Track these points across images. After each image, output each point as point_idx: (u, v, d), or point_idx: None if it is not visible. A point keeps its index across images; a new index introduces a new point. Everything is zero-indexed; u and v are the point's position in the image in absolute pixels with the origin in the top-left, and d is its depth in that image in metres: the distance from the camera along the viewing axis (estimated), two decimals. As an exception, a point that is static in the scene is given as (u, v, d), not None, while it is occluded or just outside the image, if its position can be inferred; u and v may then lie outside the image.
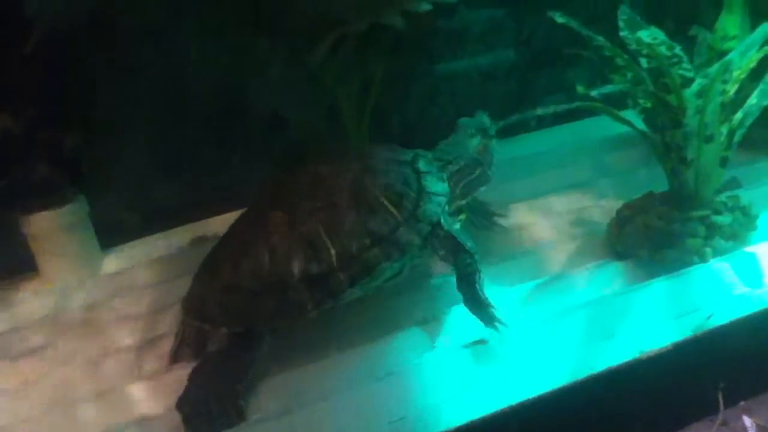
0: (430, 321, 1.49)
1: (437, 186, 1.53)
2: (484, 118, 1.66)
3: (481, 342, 1.39)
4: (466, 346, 1.39)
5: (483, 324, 1.40)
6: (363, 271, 1.41)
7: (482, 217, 1.80)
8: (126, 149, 2.04)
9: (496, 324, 1.39)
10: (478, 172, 1.63)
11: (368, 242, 1.42)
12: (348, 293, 1.41)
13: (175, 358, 1.50)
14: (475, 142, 1.64)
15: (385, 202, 1.46)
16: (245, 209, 1.58)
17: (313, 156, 1.61)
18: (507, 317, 1.47)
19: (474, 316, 1.42)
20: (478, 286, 1.43)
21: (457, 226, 1.58)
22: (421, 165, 1.55)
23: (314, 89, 1.91)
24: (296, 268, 1.40)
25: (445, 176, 1.57)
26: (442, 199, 1.51)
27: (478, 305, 1.41)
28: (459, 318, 1.48)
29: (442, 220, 1.50)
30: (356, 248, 1.41)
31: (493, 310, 1.40)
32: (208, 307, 1.44)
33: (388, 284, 1.50)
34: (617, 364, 1.30)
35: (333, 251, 1.41)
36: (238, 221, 1.56)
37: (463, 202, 1.62)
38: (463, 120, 1.67)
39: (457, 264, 1.46)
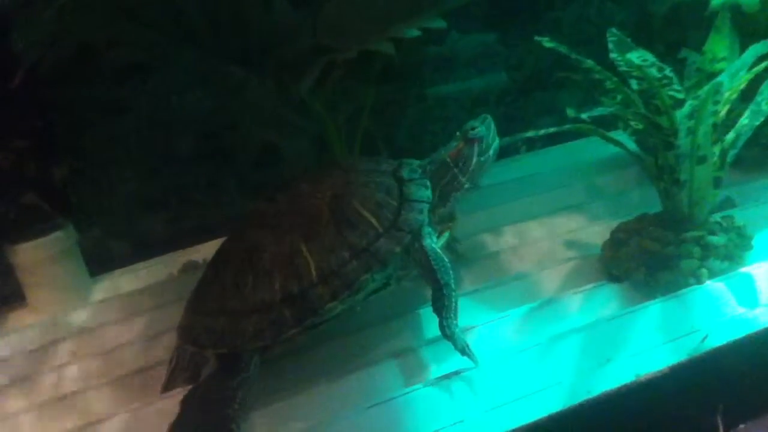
0: (421, 348, 1.47)
1: (419, 193, 1.49)
2: (474, 122, 1.58)
3: (471, 369, 1.36)
4: (456, 374, 1.37)
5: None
6: (343, 286, 1.38)
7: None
8: (114, 178, 2.04)
9: (470, 355, 1.36)
10: (449, 176, 1.56)
11: (347, 255, 1.39)
12: (330, 308, 1.39)
13: (169, 385, 1.48)
14: (452, 145, 1.58)
15: (365, 214, 1.44)
16: (231, 233, 1.57)
17: (296, 177, 1.60)
18: (500, 342, 1.46)
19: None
20: (445, 322, 1.39)
21: (438, 244, 1.53)
22: (405, 173, 1.53)
23: (304, 118, 1.91)
24: (276, 286, 1.39)
25: (428, 183, 1.53)
26: (424, 206, 1.48)
27: (446, 336, 1.39)
28: (450, 345, 1.45)
29: (423, 231, 1.47)
30: (335, 262, 1.39)
31: (463, 344, 1.37)
32: (196, 330, 1.43)
33: (377, 296, 1.48)
34: (614, 388, 1.28)
35: (313, 267, 1.39)
36: (224, 244, 1.55)
37: (445, 209, 1.58)
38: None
39: (431, 290, 1.44)
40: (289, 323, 1.37)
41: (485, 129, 1.56)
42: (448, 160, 1.56)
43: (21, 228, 1.83)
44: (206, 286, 1.49)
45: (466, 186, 1.58)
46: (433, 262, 1.44)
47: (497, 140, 1.59)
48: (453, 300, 1.41)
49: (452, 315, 1.40)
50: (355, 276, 1.39)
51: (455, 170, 1.56)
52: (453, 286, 1.42)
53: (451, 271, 1.44)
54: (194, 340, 1.42)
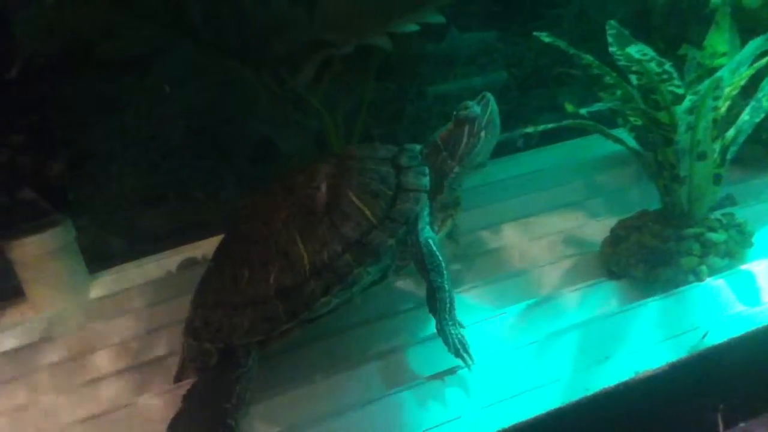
0: (420, 345, 1.46)
1: (416, 181, 1.43)
2: (471, 101, 1.49)
3: (467, 366, 1.34)
4: (454, 371, 1.36)
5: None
6: (336, 279, 1.36)
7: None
8: (112, 173, 2.03)
9: (464, 358, 1.32)
10: (439, 160, 1.49)
11: (340, 248, 1.37)
12: (323, 303, 1.37)
13: (179, 376, 1.48)
14: (447, 125, 1.50)
15: (359, 204, 1.40)
16: (231, 225, 1.55)
17: (293, 167, 1.58)
18: (498, 338, 1.45)
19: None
20: (439, 325, 1.35)
21: (439, 235, 1.48)
22: (404, 160, 1.47)
23: (301, 114, 1.90)
24: (271, 280, 1.37)
25: (426, 170, 1.46)
26: (421, 195, 1.42)
27: (442, 337, 1.35)
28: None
29: (419, 222, 1.42)
30: (328, 255, 1.36)
31: (457, 346, 1.32)
32: (196, 324, 1.42)
33: (376, 289, 1.45)
34: (612, 386, 1.27)
35: (307, 260, 1.36)
36: (225, 237, 1.54)
37: (445, 195, 1.50)
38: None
39: (426, 289, 1.39)
40: (283, 318, 1.35)
41: (480, 109, 1.48)
42: (439, 142, 1.50)
43: (19, 224, 1.82)
44: (207, 279, 1.49)
45: (456, 170, 1.50)
46: (426, 262, 1.39)
47: (495, 121, 1.49)
48: (446, 302, 1.36)
49: (446, 316, 1.35)
50: (347, 269, 1.36)
51: (444, 153, 1.49)
52: (447, 287, 1.37)
53: (445, 272, 1.39)
54: (194, 333, 1.42)
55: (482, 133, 1.48)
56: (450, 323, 1.35)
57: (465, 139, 1.48)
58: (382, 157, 1.49)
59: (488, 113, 1.48)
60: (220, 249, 1.52)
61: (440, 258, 1.40)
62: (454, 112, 1.50)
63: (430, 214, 1.47)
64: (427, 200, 1.46)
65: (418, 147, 1.52)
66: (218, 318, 1.39)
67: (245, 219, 1.50)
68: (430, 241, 1.42)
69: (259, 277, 1.38)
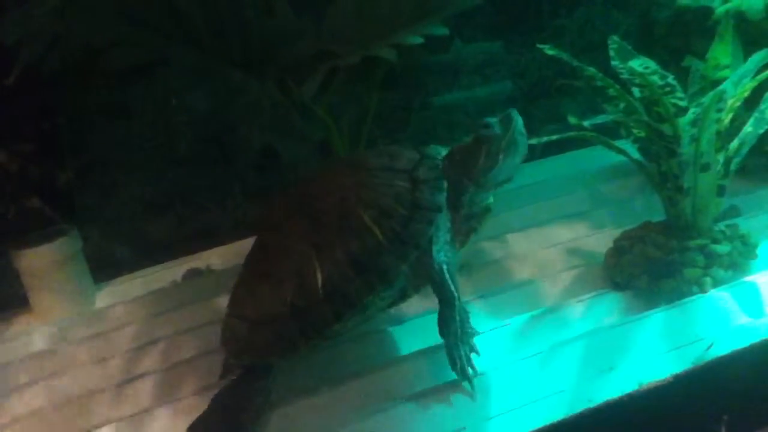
0: (425, 355, 1.46)
1: (432, 198, 1.32)
2: (493, 118, 1.36)
3: (472, 377, 1.34)
4: (459, 382, 1.35)
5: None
6: (347, 305, 1.29)
7: None
8: (119, 182, 2.04)
9: (469, 380, 1.31)
10: (454, 176, 1.37)
11: (351, 272, 1.29)
12: (338, 328, 1.32)
13: (224, 375, 1.42)
14: (465, 140, 1.39)
15: (370, 224, 1.30)
16: (258, 231, 1.50)
17: (309, 172, 1.56)
18: (502, 349, 1.44)
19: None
20: (446, 350, 1.32)
21: (446, 259, 1.36)
22: (421, 172, 1.35)
23: (307, 123, 1.91)
24: (288, 298, 1.31)
25: (444, 184, 1.35)
26: (434, 215, 1.31)
27: (449, 358, 1.33)
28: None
29: (434, 246, 1.33)
30: (339, 279, 1.29)
31: (465, 368, 1.31)
32: (226, 334, 1.39)
33: (392, 308, 1.43)
34: (616, 397, 1.27)
35: (320, 281, 1.29)
36: (255, 244, 1.48)
37: (464, 208, 1.40)
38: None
39: (438, 311, 1.34)
40: (299, 342, 1.31)
41: (501, 130, 1.35)
42: (457, 157, 1.39)
43: (26, 233, 1.83)
44: (237, 288, 1.43)
45: (471, 189, 1.39)
46: (436, 293, 1.33)
47: (519, 141, 1.36)
48: (455, 332, 1.31)
49: (457, 342, 1.32)
50: (357, 296, 1.29)
51: (459, 170, 1.38)
52: (456, 317, 1.31)
53: (456, 303, 1.32)
54: (225, 342, 1.39)
55: (500, 156, 1.35)
56: (460, 345, 1.33)
57: (481, 160, 1.36)
58: (399, 168, 1.37)
59: (510, 133, 1.35)
60: (249, 256, 1.46)
61: (452, 288, 1.32)
62: (475, 132, 1.38)
63: (450, 229, 1.39)
64: (443, 217, 1.36)
65: (442, 152, 1.41)
66: (242, 333, 1.35)
67: (268, 228, 1.45)
68: (444, 268, 1.34)
69: (276, 294, 1.32)
